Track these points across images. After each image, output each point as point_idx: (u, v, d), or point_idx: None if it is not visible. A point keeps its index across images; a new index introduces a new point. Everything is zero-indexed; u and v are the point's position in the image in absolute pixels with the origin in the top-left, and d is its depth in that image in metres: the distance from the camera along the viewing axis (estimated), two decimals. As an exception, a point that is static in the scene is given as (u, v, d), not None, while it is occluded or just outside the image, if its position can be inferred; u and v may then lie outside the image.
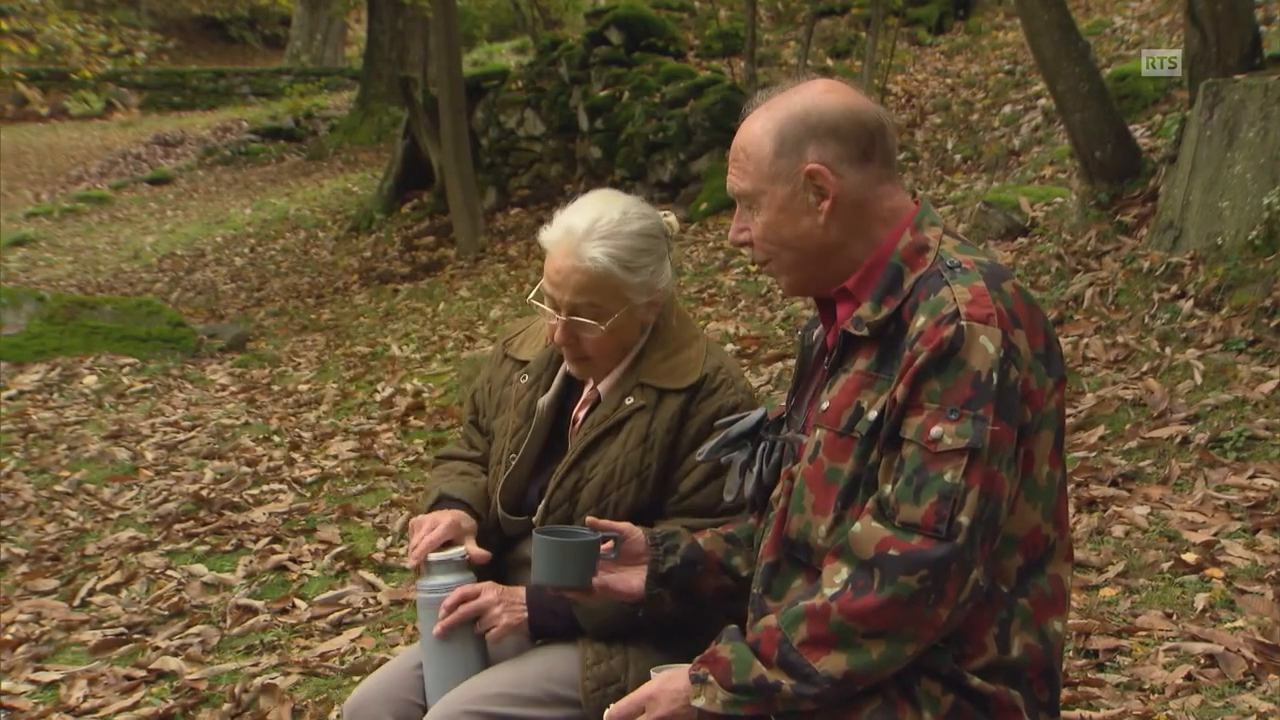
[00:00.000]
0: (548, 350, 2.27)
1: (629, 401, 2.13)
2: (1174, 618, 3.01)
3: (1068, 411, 4.18)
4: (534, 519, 2.14)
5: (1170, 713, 2.63)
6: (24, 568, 4.53)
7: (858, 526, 1.59)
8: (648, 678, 1.73)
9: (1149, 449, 3.98)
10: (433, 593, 2.09)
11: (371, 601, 3.97)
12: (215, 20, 30.24)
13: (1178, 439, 3.97)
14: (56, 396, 7.08)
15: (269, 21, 29.21)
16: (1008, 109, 9.00)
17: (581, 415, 2.20)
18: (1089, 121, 5.74)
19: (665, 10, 12.33)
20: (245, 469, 5.58)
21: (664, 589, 1.93)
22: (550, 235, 2.13)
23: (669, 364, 2.15)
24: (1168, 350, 4.53)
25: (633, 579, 1.93)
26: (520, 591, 2.11)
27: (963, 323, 1.56)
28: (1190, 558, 3.27)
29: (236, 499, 5.11)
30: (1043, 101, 8.36)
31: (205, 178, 18.62)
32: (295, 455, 5.81)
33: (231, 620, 3.91)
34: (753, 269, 7.37)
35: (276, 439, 6.15)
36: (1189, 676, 2.75)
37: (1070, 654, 2.90)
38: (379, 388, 7.02)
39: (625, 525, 1.96)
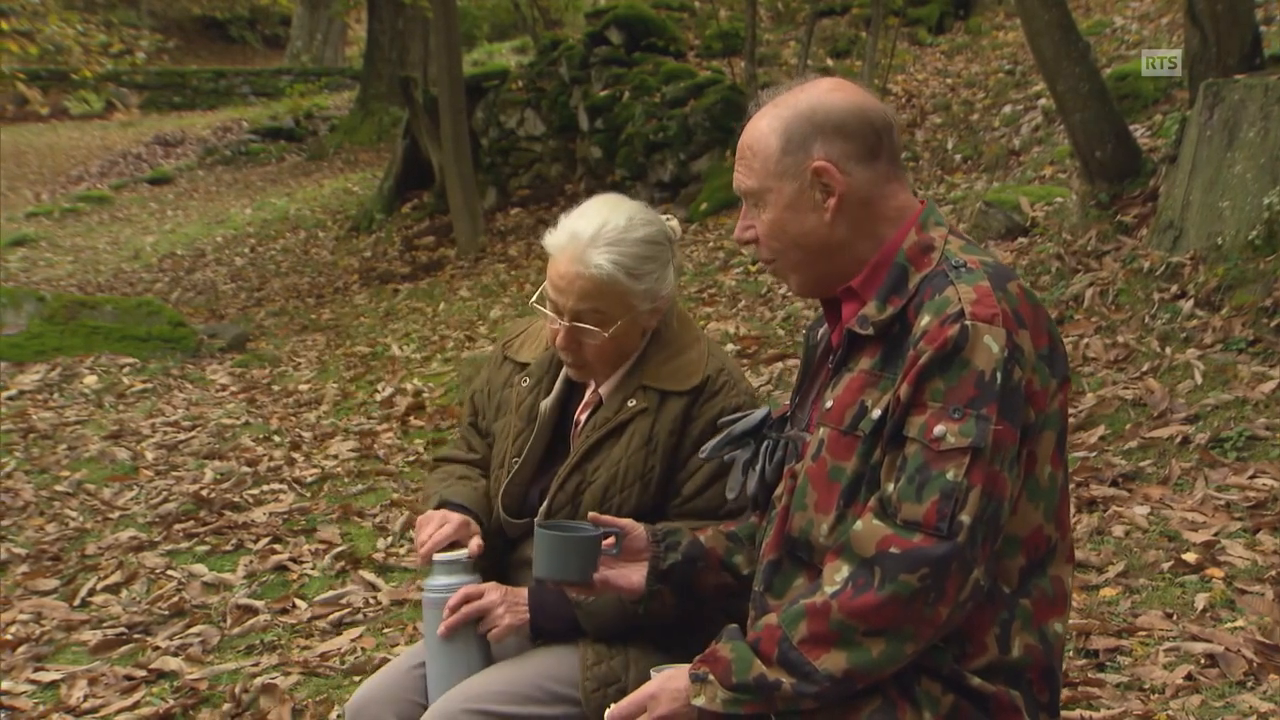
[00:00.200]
0: (548, 353, 2.26)
1: (631, 404, 2.13)
2: (1174, 618, 3.01)
3: (1068, 411, 4.18)
4: (536, 521, 2.14)
5: (1170, 713, 2.63)
6: (24, 568, 4.53)
7: (859, 524, 1.59)
8: (648, 677, 1.73)
9: (1149, 449, 3.98)
10: (437, 592, 2.09)
11: (372, 601, 3.97)
12: (215, 20, 30.24)
13: (1178, 439, 3.97)
14: (57, 396, 7.08)
15: (269, 21, 29.21)
16: (1008, 109, 9.00)
17: (583, 418, 2.20)
18: (1089, 121, 5.74)
19: (665, 10, 12.33)
20: (245, 469, 5.58)
21: (665, 585, 1.93)
22: (554, 240, 2.12)
23: (671, 366, 2.15)
24: (1168, 350, 4.53)
25: (634, 575, 1.94)
26: (523, 593, 2.11)
27: (967, 322, 1.57)
28: (1190, 558, 3.27)
29: (237, 499, 5.11)
30: (1043, 101, 8.36)
31: (205, 178, 18.62)
32: (295, 455, 5.81)
33: (232, 620, 3.91)
34: (753, 269, 7.38)
35: (277, 439, 6.15)
36: (1189, 676, 2.75)
37: (1070, 654, 2.90)
38: (379, 388, 7.02)
39: (627, 521, 1.97)
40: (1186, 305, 4.72)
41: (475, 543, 2.15)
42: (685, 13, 12.68)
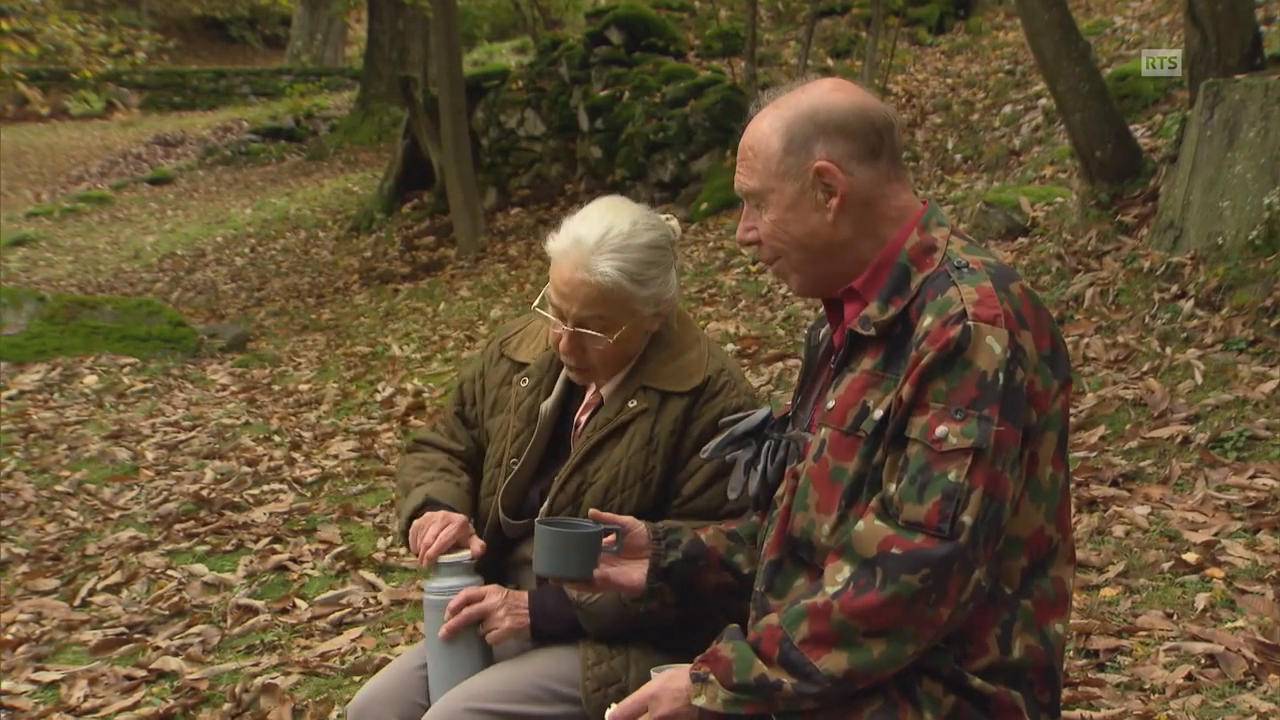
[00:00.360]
0: (548, 353, 2.26)
1: (632, 405, 2.13)
2: (1174, 618, 3.01)
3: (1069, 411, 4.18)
4: (537, 519, 2.13)
5: (1171, 713, 2.63)
6: (24, 567, 4.53)
7: (861, 525, 1.59)
8: (648, 677, 1.73)
9: (1149, 449, 3.98)
10: (439, 594, 2.09)
11: (372, 601, 3.97)
12: (216, 20, 30.24)
13: (1178, 439, 3.97)
14: (57, 396, 7.08)
15: (269, 21, 29.21)
16: (1008, 109, 9.00)
17: (584, 419, 2.20)
18: (1089, 121, 5.74)
19: (665, 10, 12.33)
20: (246, 469, 5.58)
21: (665, 583, 1.93)
22: (558, 244, 2.11)
23: (671, 367, 2.15)
24: (1168, 350, 4.53)
25: (634, 572, 1.94)
26: (523, 596, 2.11)
27: (969, 323, 1.56)
28: (1191, 558, 3.27)
29: (237, 499, 5.11)
30: (1043, 101, 8.36)
31: (206, 178, 18.63)
32: (296, 455, 5.81)
33: (232, 620, 3.91)
34: (753, 268, 7.38)
35: (277, 439, 6.15)
36: (1189, 676, 2.75)
37: (1071, 654, 2.90)
38: (379, 387, 7.02)
39: (628, 519, 1.97)
40: (1187, 305, 4.72)
41: (477, 544, 2.15)
42: (685, 13, 12.68)
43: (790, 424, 1.84)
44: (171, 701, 3.38)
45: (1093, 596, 3.20)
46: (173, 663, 3.60)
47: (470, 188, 11.09)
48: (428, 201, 12.95)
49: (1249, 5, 5.71)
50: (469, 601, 2.07)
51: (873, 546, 1.56)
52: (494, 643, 2.10)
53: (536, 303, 2.24)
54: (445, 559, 2.11)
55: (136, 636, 3.85)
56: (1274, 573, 3.14)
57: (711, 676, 1.63)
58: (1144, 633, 2.97)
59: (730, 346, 6.06)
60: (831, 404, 1.68)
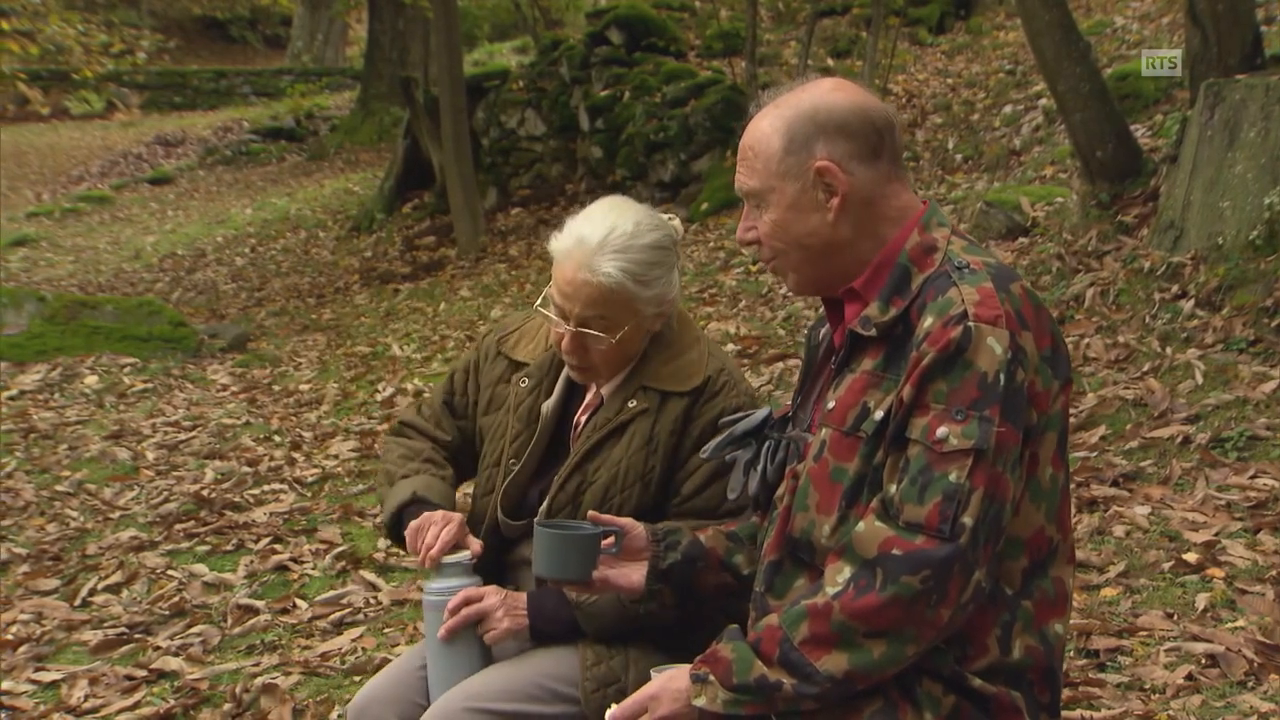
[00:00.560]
0: (548, 353, 2.25)
1: (632, 404, 2.13)
2: (1175, 618, 3.01)
3: (1069, 412, 4.18)
4: (536, 520, 2.13)
5: (1171, 713, 2.63)
6: (25, 567, 4.53)
7: (861, 526, 1.59)
8: (648, 678, 1.73)
9: (1150, 449, 3.98)
10: (440, 595, 2.09)
11: (372, 601, 3.97)
12: (216, 20, 30.25)
13: (1179, 439, 3.97)
14: (57, 396, 7.08)
15: (270, 21, 29.21)
16: (1008, 109, 9.00)
17: (583, 420, 2.20)
18: (1090, 121, 5.74)
19: (666, 10, 12.34)
20: (246, 469, 5.58)
21: (665, 585, 1.93)
22: (561, 244, 2.10)
23: (671, 367, 2.15)
24: (1169, 350, 4.53)
25: (633, 574, 1.93)
26: (522, 597, 2.11)
27: (970, 324, 1.56)
28: (1191, 558, 3.26)
29: (237, 499, 5.11)
30: (1044, 101, 8.36)
31: (206, 178, 18.63)
32: (296, 455, 5.81)
33: (232, 620, 3.91)
34: (754, 268, 7.38)
35: (277, 439, 6.15)
36: (1190, 676, 2.75)
37: (1071, 654, 2.90)
38: (380, 388, 7.02)
39: (627, 520, 1.97)
40: (1187, 305, 4.72)
41: (476, 544, 2.15)
42: (686, 13, 12.68)
43: (790, 424, 1.84)
44: (172, 701, 3.38)
45: (1093, 596, 3.20)
46: (173, 663, 3.60)
47: (471, 188, 11.09)
48: (428, 201, 12.95)
49: (1249, 5, 5.71)
50: (468, 602, 2.07)
51: (873, 547, 1.56)
52: (492, 644, 2.10)
53: (539, 302, 2.23)
54: (446, 559, 2.11)
55: (137, 636, 3.85)
56: (1274, 573, 3.13)
57: (711, 677, 1.63)
58: (1144, 633, 2.97)
59: (731, 346, 6.06)
60: (832, 404, 1.68)
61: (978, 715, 1.62)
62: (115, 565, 4.46)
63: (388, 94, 17.71)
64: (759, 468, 1.83)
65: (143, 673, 3.56)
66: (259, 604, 4.01)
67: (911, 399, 1.58)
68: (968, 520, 1.53)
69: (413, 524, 2.15)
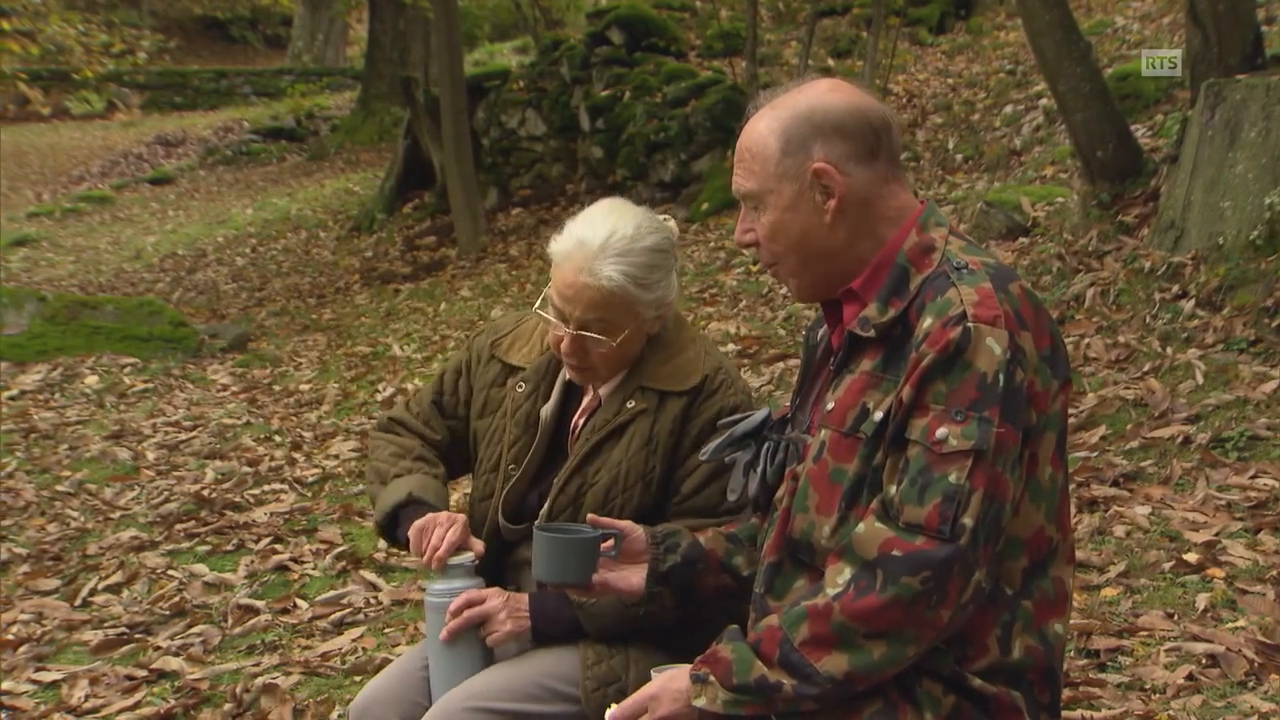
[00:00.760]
0: (545, 356, 2.24)
1: (630, 405, 2.12)
2: (1175, 618, 3.01)
3: (1069, 412, 4.18)
4: (535, 524, 2.13)
5: (1171, 713, 2.63)
6: (25, 567, 4.53)
7: (861, 527, 1.59)
8: (648, 678, 1.73)
9: (1150, 449, 3.98)
10: (441, 596, 2.09)
11: (373, 601, 3.97)
12: (217, 20, 30.24)
13: (1179, 439, 3.97)
14: (58, 396, 7.09)
15: (270, 21, 29.21)
16: (1009, 109, 9.00)
17: (581, 422, 2.19)
18: (1090, 121, 5.74)
19: (666, 10, 12.34)
20: (246, 469, 5.58)
21: (664, 587, 1.93)
22: (561, 247, 2.10)
23: (669, 367, 2.15)
24: (1169, 350, 4.53)
25: (633, 577, 1.93)
26: (524, 599, 2.11)
27: (969, 324, 1.56)
28: (1191, 558, 3.26)
29: (238, 499, 5.12)
30: (1044, 101, 8.35)
31: (207, 178, 18.63)
32: (296, 455, 5.81)
33: (233, 620, 3.91)
34: (754, 269, 7.37)
35: (278, 439, 6.15)
36: (1190, 676, 2.75)
37: (1071, 654, 2.90)
38: (380, 388, 7.02)
39: (626, 523, 1.96)
40: (1188, 305, 4.72)
41: (478, 545, 2.15)
42: (686, 13, 12.68)
43: (789, 425, 1.84)
44: (172, 701, 3.38)
45: (1093, 596, 3.20)
46: (173, 663, 3.60)
47: (471, 188, 11.09)
48: (429, 201, 12.95)
49: (1250, 5, 5.70)
50: (470, 604, 2.07)
51: (873, 548, 1.56)
52: (494, 645, 2.10)
53: (538, 304, 2.23)
54: (450, 561, 2.11)
55: (137, 636, 3.85)
56: (1275, 573, 3.13)
57: (711, 677, 1.63)
58: (1145, 633, 2.97)
59: (731, 347, 6.06)
60: (831, 405, 1.67)
61: (978, 715, 1.62)
62: (116, 565, 4.46)
63: (388, 94, 17.71)
64: (758, 469, 1.83)
65: (143, 673, 3.56)
66: (259, 604, 4.01)
67: (911, 400, 1.58)
68: (968, 521, 1.53)
69: (417, 524, 2.14)
